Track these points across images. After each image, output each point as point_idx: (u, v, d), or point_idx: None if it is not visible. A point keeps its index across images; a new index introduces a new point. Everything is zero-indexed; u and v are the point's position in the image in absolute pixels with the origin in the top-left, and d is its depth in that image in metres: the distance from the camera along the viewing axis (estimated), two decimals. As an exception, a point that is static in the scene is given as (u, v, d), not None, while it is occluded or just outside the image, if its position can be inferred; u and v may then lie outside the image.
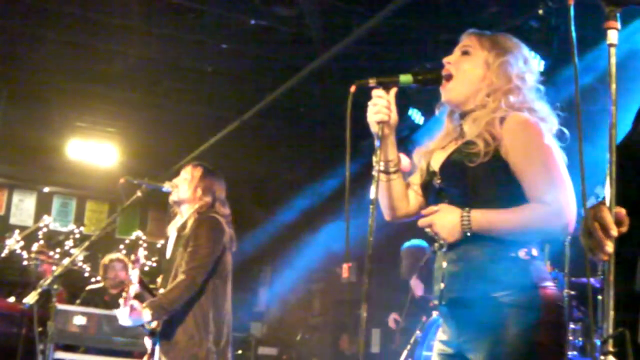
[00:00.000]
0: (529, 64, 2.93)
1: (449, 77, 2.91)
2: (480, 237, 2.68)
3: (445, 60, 2.96)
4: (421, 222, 2.78)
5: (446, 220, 2.71)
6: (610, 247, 1.99)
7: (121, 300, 4.45)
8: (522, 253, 2.67)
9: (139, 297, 4.55)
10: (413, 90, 7.93)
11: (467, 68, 2.90)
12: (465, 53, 2.93)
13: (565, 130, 2.78)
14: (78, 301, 8.19)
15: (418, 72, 2.90)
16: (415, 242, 7.68)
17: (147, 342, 4.75)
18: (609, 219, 2.01)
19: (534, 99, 2.85)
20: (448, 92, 2.92)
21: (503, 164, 2.70)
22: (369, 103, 2.85)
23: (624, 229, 2.05)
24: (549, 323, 2.63)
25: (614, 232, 2.00)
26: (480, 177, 2.72)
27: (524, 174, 2.68)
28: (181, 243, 4.73)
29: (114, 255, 8.67)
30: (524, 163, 2.68)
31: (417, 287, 7.48)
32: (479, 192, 2.73)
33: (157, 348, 4.65)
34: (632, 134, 2.37)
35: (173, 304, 4.50)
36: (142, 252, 4.71)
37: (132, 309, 4.41)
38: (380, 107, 2.82)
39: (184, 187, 4.87)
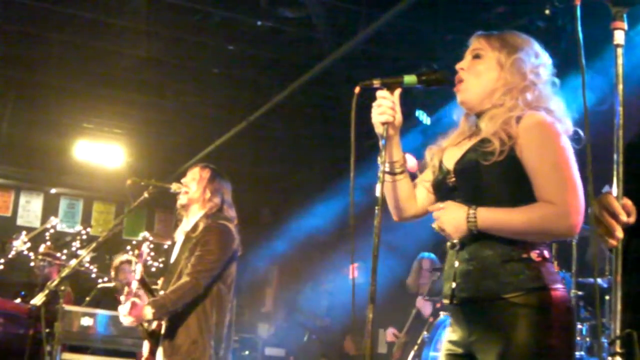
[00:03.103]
0: (540, 58, 2.92)
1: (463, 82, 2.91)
2: (493, 237, 2.69)
3: (458, 66, 2.95)
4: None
5: (452, 216, 2.73)
6: (620, 232, 1.99)
7: (123, 297, 4.44)
8: (534, 254, 2.68)
9: (139, 296, 4.53)
10: (419, 91, 7.93)
11: (481, 70, 2.89)
12: (476, 57, 2.92)
13: (581, 132, 2.77)
14: (88, 299, 8.20)
15: (422, 72, 2.88)
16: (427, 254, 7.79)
17: (145, 344, 4.73)
18: (615, 204, 2.01)
19: (550, 96, 2.85)
20: (463, 93, 2.91)
21: (517, 163, 2.70)
22: (374, 104, 2.85)
23: (632, 219, 2.06)
24: (559, 325, 2.64)
25: (623, 216, 2.00)
26: (495, 176, 2.73)
27: (535, 173, 2.68)
28: (188, 247, 4.70)
29: (123, 257, 8.68)
30: (536, 163, 2.68)
31: (424, 307, 7.44)
32: (492, 190, 2.74)
33: (159, 350, 4.64)
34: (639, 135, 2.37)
35: (175, 305, 4.47)
36: (146, 248, 4.70)
37: (134, 305, 4.39)
38: (385, 107, 2.81)
39: (194, 188, 4.86)
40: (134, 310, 4.38)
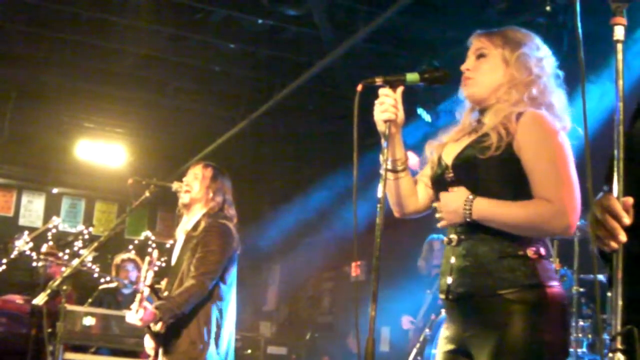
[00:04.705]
0: (542, 50, 2.94)
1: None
2: (489, 233, 2.71)
3: (463, 67, 2.96)
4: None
5: (451, 201, 2.77)
6: (623, 235, 1.97)
7: (134, 305, 4.40)
8: (530, 251, 2.69)
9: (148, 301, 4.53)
10: (420, 89, 7.92)
11: (486, 69, 2.91)
12: (481, 56, 2.94)
13: (579, 129, 2.77)
14: (90, 300, 8.20)
15: (425, 71, 2.90)
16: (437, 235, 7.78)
17: (148, 343, 4.70)
18: (618, 207, 1.98)
19: (553, 89, 2.87)
20: (470, 87, 2.93)
21: (515, 159, 2.72)
22: (376, 102, 2.85)
23: (629, 221, 2.02)
24: (553, 322, 2.65)
25: (626, 219, 1.98)
26: (491, 170, 2.74)
27: (533, 170, 2.69)
28: (189, 247, 4.70)
29: (125, 256, 8.68)
30: (534, 160, 2.70)
31: None
32: (489, 185, 2.75)
33: (160, 349, 4.63)
34: (632, 129, 2.36)
35: (181, 308, 4.47)
36: (156, 253, 4.70)
37: (146, 310, 4.39)
38: (387, 105, 2.82)
39: (196, 187, 4.85)
40: (146, 315, 4.37)
